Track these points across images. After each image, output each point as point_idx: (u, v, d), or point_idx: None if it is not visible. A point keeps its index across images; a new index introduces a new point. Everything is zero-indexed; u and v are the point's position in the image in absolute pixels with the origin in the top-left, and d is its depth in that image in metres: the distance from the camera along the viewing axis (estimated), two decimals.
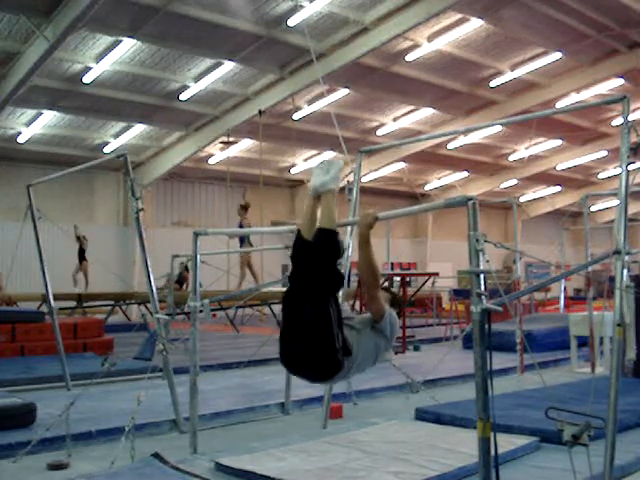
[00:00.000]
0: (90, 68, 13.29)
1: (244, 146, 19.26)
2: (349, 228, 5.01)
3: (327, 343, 3.28)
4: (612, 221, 19.10)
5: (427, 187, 25.80)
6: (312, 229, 3.46)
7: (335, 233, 3.41)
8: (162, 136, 18.12)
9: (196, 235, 5.17)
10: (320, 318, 3.28)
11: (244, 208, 12.97)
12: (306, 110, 16.60)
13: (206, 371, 8.09)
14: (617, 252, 4.08)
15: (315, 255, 3.35)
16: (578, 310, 13.27)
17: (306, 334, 3.30)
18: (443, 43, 13.99)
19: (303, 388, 7.41)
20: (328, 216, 3.44)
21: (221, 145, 18.81)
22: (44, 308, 9.62)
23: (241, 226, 12.72)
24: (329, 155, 3.78)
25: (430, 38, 13.81)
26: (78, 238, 15.26)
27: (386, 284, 13.17)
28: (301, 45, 12.81)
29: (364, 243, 3.44)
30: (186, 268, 14.32)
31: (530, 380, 7.85)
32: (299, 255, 3.48)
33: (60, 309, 10.93)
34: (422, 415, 5.68)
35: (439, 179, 25.33)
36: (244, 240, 12.85)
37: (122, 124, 16.87)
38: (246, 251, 12.46)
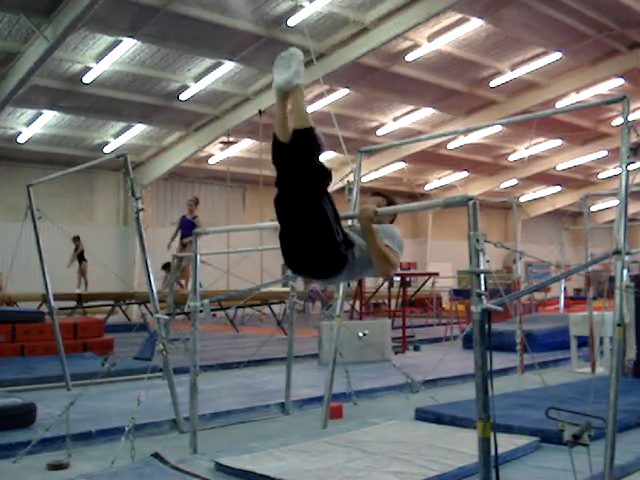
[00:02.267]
0: (90, 68, 13.29)
1: (244, 146, 19.27)
2: (349, 222, 4.99)
3: (327, 238, 3.21)
4: (612, 221, 19.10)
5: (427, 187, 25.81)
6: (287, 129, 3.32)
7: (311, 129, 3.27)
8: (162, 136, 18.12)
9: (196, 235, 5.17)
10: (316, 216, 3.20)
11: (195, 202, 13.02)
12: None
13: (206, 371, 8.08)
14: (617, 252, 4.08)
15: (296, 156, 3.24)
16: (578, 310, 13.27)
17: (305, 234, 3.23)
18: (443, 43, 13.99)
19: (303, 388, 7.43)
20: (300, 114, 3.29)
21: (221, 145, 18.82)
22: (44, 308, 9.61)
23: (187, 219, 12.77)
24: (291, 50, 3.71)
25: (430, 38, 13.82)
26: (74, 240, 15.30)
27: (386, 284, 13.19)
28: (301, 45, 12.75)
29: (368, 235, 3.39)
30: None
31: (530, 380, 7.85)
32: (280, 159, 3.35)
33: (60, 309, 10.93)
34: (422, 415, 5.68)
35: (439, 179, 25.33)
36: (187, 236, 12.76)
37: (122, 124, 16.87)
38: (246, 251, 12.44)
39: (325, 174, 3.28)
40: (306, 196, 3.21)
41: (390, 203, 3.84)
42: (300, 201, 3.23)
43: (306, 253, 3.29)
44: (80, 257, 15.44)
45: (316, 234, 3.22)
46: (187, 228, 12.72)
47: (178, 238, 12.79)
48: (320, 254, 3.26)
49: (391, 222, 3.85)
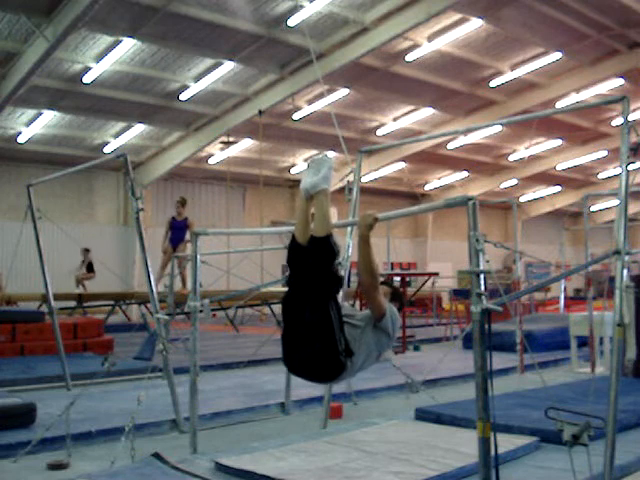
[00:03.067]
0: (90, 68, 13.28)
1: (244, 146, 19.26)
2: (349, 228, 5.00)
3: (329, 347, 3.28)
4: (612, 221, 19.12)
5: (427, 187, 25.81)
6: (307, 232, 3.40)
7: (329, 238, 3.34)
8: (162, 136, 18.12)
9: (196, 235, 5.18)
10: (321, 323, 3.27)
11: (182, 204, 13.01)
12: (306, 110, 16.60)
13: (206, 371, 8.09)
14: (617, 252, 4.08)
15: (311, 261, 3.32)
16: (578, 310, 13.27)
17: (308, 339, 3.30)
18: (443, 43, 13.98)
19: (303, 388, 7.42)
20: (322, 220, 3.36)
21: (221, 145, 18.82)
22: (44, 308, 9.61)
23: (177, 221, 12.76)
24: (318, 156, 3.72)
25: (430, 38, 13.81)
26: (84, 252, 15.36)
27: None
28: (301, 45, 12.80)
29: (364, 244, 3.42)
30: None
31: (530, 380, 7.85)
32: (295, 260, 3.44)
33: (60, 309, 10.94)
34: (422, 415, 5.68)
35: (439, 179, 25.33)
36: (179, 239, 12.73)
37: (122, 124, 16.87)
38: (246, 251, 12.45)
39: (337, 282, 3.38)
40: (315, 300, 3.29)
41: (395, 296, 3.90)
42: (308, 303, 3.30)
43: (306, 356, 3.35)
44: (88, 268, 15.48)
45: (319, 339, 3.29)
46: (179, 230, 12.72)
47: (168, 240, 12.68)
48: (320, 360, 3.34)
49: (400, 307, 3.89)
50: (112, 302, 14.79)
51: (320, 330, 3.27)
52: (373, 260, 3.44)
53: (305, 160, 21.08)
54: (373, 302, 3.54)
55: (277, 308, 15.06)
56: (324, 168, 3.41)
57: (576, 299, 20.99)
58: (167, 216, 20.10)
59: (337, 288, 3.40)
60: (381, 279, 3.64)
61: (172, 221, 12.84)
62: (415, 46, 14.03)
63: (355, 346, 3.42)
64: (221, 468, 4.36)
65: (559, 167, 24.01)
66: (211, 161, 20.26)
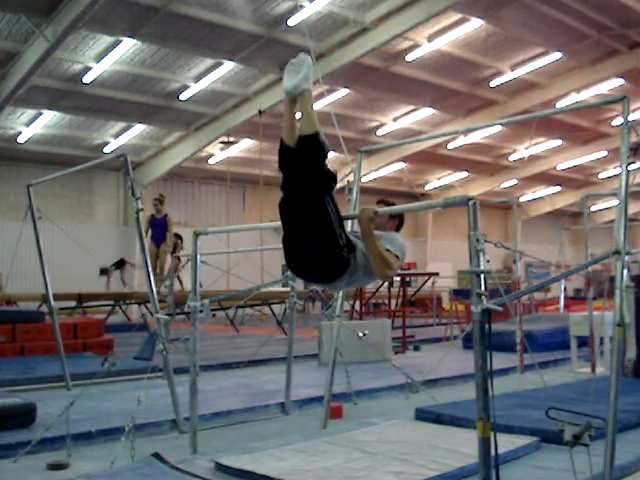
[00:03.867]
0: (90, 68, 13.29)
1: (244, 146, 19.27)
2: (350, 222, 5.00)
3: (331, 242, 3.24)
4: (612, 221, 19.12)
5: (427, 187, 25.81)
6: (294, 134, 3.39)
7: (317, 134, 3.33)
8: (162, 136, 18.13)
9: (196, 235, 5.17)
10: (320, 218, 3.24)
11: (160, 201, 13.01)
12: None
13: (206, 371, 8.10)
14: (617, 252, 4.08)
15: (302, 161, 3.30)
16: (578, 310, 13.27)
17: (308, 235, 3.27)
18: (443, 43, 13.99)
19: (303, 388, 7.43)
20: (307, 119, 3.36)
21: (221, 145, 18.82)
22: (44, 308, 9.61)
23: (156, 219, 12.74)
24: (301, 57, 3.73)
25: (430, 38, 13.81)
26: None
27: (386, 284, 13.19)
28: (301, 45, 12.79)
29: (368, 237, 3.41)
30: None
31: (530, 380, 7.85)
32: (286, 164, 3.41)
33: (60, 309, 10.93)
34: (422, 415, 5.68)
35: (439, 179, 25.34)
36: (161, 236, 12.72)
37: (122, 124, 16.87)
38: (246, 251, 12.45)
39: (330, 178, 3.34)
40: (310, 198, 3.26)
41: (395, 215, 3.87)
42: (304, 203, 3.27)
43: (308, 255, 3.31)
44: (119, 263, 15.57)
45: (319, 236, 3.25)
46: (159, 228, 12.69)
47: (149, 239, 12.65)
48: (322, 256, 3.28)
49: (396, 230, 3.88)
50: (112, 302, 14.79)
51: (319, 225, 3.24)
52: (381, 249, 3.43)
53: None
54: (390, 274, 3.55)
55: (277, 308, 15.08)
56: (304, 68, 3.43)
57: (576, 299, 20.99)
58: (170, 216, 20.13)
59: (332, 183, 3.36)
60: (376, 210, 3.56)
61: (151, 219, 12.78)
62: (415, 46, 14.04)
63: (356, 243, 3.40)
64: (221, 468, 4.36)
65: (559, 167, 24.02)
66: (211, 161, 20.26)
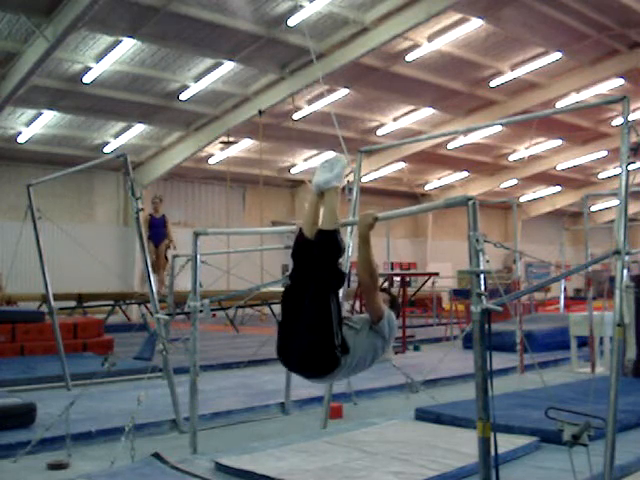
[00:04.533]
0: (90, 68, 13.28)
1: (244, 146, 19.26)
2: (349, 228, 5.01)
3: (326, 339, 3.26)
4: (612, 221, 19.12)
5: (427, 187, 25.81)
6: (314, 227, 3.46)
7: (336, 233, 3.39)
8: (162, 136, 18.12)
9: (196, 235, 5.17)
10: (320, 313, 3.27)
11: (160, 201, 13.05)
12: (306, 110, 16.60)
13: (206, 371, 8.09)
14: (617, 252, 4.08)
15: (316, 255, 3.35)
16: (578, 310, 13.27)
17: (305, 329, 3.29)
18: (443, 43, 13.98)
19: (303, 388, 7.42)
20: (330, 215, 3.42)
21: (221, 145, 18.81)
22: (44, 308, 9.61)
23: (156, 219, 12.77)
24: (332, 154, 3.78)
25: (430, 38, 13.81)
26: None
27: (386, 284, 13.20)
28: (301, 45, 12.80)
29: (364, 243, 3.43)
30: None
31: (530, 380, 7.85)
32: (300, 253, 3.47)
33: (60, 309, 10.94)
34: (422, 415, 5.68)
35: (439, 179, 25.33)
36: (160, 236, 12.74)
37: (122, 124, 16.86)
38: (247, 251, 12.46)
39: (340, 277, 3.41)
40: (316, 292, 3.29)
41: (393, 303, 3.89)
42: (308, 295, 3.31)
43: (301, 347, 3.33)
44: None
45: (315, 330, 3.28)
46: (158, 227, 12.73)
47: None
48: (315, 352, 3.31)
49: (397, 315, 3.86)
50: (112, 302, 14.79)
51: (318, 321, 3.26)
52: (372, 260, 3.45)
53: (305, 160, 21.09)
54: (372, 302, 3.54)
55: (277, 308, 15.08)
56: (337, 167, 3.52)
57: (576, 299, 20.99)
58: (167, 216, 20.10)
59: (340, 283, 3.42)
60: (380, 281, 3.62)
61: (151, 219, 12.81)
62: (415, 46, 14.03)
63: (351, 345, 3.41)
64: (221, 468, 4.36)
65: (559, 167, 24.01)
66: (211, 161, 20.26)
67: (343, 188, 6.32)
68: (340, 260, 3.45)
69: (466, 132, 17.05)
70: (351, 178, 6.41)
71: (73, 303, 13.81)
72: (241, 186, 22.26)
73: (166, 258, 14.09)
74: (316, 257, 3.35)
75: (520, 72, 15.85)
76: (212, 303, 5.35)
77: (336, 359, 3.32)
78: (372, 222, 3.44)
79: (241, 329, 15.10)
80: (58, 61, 12.84)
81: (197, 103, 15.85)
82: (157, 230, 12.75)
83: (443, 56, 14.71)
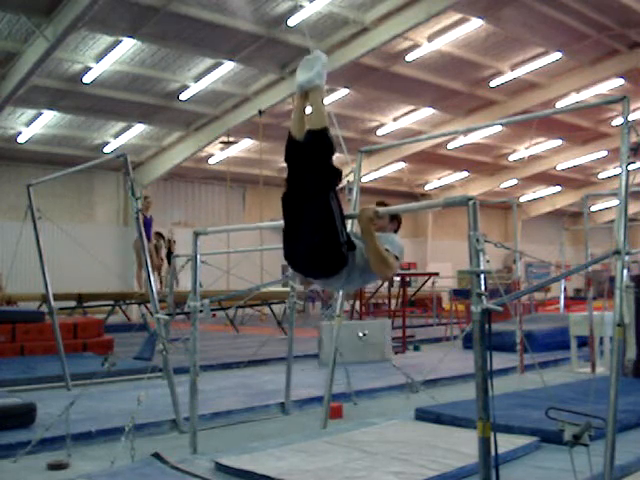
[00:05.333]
0: (90, 68, 13.29)
1: (244, 146, 19.27)
2: (350, 222, 5.01)
3: (331, 236, 3.25)
4: (612, 221, 19.12)
5: (427, 187, 25.82)
6: (302, 128, 3.42)
7: (326, 130, 3.36)
8: (162, 136, 18.13)
9: (196, 235, 5.17)
10: (322, 212, 3.25)
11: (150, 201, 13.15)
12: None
13: (206, 371, 8.09)
14: (617, 252, 4.08)
15: (308, 155, 3.32)
16: (578, 310, 13.27)
17: (310, 230, 3.27)
18: (443, 43, 13.99)
19: (303, 388, 7.43)
20: (317, 114, 3.39)
21: (221, 145, 18.82)
22: (44, 308, 9.61)
23: (146, 218, 12.84)
24: (316, 53, 3.74)
25: (430, 38, 13.82)
26: (169, 241, 15.42)
27: (385, 285, 13.19)
28: (301, 45, 12.80)
29: (368, 236, 3.42)
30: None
31: (530, 380, 7.85)
32: (293, 157, 3.43)
33: (60, 309, 10.93)
34: (422, 415, 5.68)
35: (439, 179, 25.34)
36: (149, 235, 12.83)
37: (122, 124, 16.87)
38: (246, 251, 12.47)
39: (335, 174, 3.36)
40: (314, 192, 3.27)
41: (392, 216, 3.90)
42: (308, 197, 3.29)
43: (307, 249, 3.31)
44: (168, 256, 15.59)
45: (320, 230, 3.25)
46: (148, 227, 12.85)
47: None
48: (321, 251, 3.28)
49: (395, 232, 3.90)
50: (112, 302, 14.78)
51: (321, 219, 3.24)
52: (381, 249, 3.44)
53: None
54: (389, 273, 3.57)
55: (277, 308, 15.08)
56: (317, 65, 3.44)
57: (576, 299, 20.98)
58: (167, 216, 20.13)
59: (336, 179, 3.38)
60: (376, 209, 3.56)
61: (145, 218, 12.90)
62: (415, 46, 14.04)
63: (356, 243, 3.42)
64: (221, 468, 4.36)
65: (559, 167, 24.02)
66: (211, 161, 20.27)
67: (342, 188, 6.34)
68: (333, 157, 3.39)
69: (466, 132, 17.05)
70: (351, 178, 6.42)
71: (73, 303, 13.78)
72: (241, 186, 22.27)
73: (162, 259, 14.17)
74: (309, 157, 3.31)
75: (520, 72, 15.86)
76: (212, 303, 5.34)
77: (343, 256, 3.31)
78: (372, 216, 3.43)
79: (241, 329, 15.10)
80: (58, 61, 12.85)
81: (197, 103, 15.86)
82: (147, 229, 12.79)
83: (443, 56, 14.72)
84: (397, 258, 3.59)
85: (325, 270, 3.41)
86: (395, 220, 3.95)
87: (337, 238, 3.26)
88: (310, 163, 3.31)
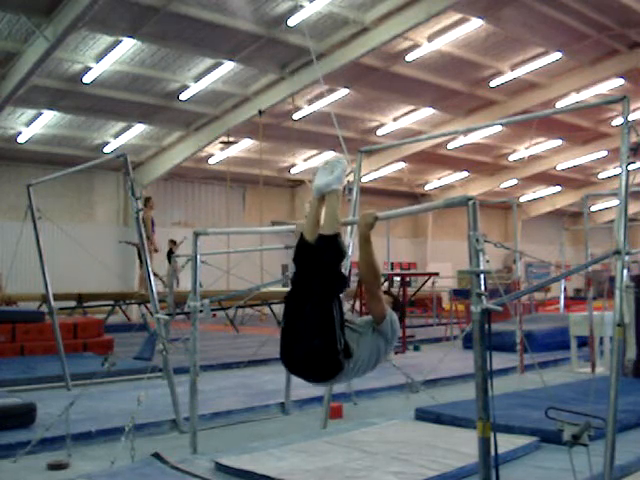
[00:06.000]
0: (90, 68, 13.29)
1: (244, 146, 19.26)
2: (349, 227, 5.01)
3: (329, 344, 3.26)
4: (612, 221, 19.11)
5: (427, 187, 25.81)
6: (315, 231, 3.45)
7: (337, 237, 3.38)
8: (162, 136, 18.12)
9: (196, 235, 5.17)
10: (323, 318, 3.27)
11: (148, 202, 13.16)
12: (306, 110, 16.60)
13: (206, 371, 8.09)
14: (617, 252, 4.08)
15: (318, 259, 3.35)
16: (578, 310, 13.27)
17: (308, 334, 3.29)
18: (443, 43, 13.98)
19: (303, 388, 7.41)
20: (331, 218, 3.41)
21: (221, 145, 18.82)
22: (44, 308, 9.61)
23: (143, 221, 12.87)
24: (331, 155, 3.79)
25: (430, 38, 13.81)
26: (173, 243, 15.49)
27: (386, 284, 13.20)
28: (301, 45, 12.80)
29: (365, 242, 3.42)
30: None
31: (530, 380, 7.85)
32: (302, 258, 3.46)
33: (60, 309, 10.93)
34: (422, 415, 5.68)
35: (439, 179, 25.33)
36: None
37: (122, 124, 16.87)
38: (246, 251, 12.46)
39: (342, 281, 3.40)
40: (318, 296, 3.29)
41: (396, 304, 3.88)
42: (312, 300, 3.30)
43: (304, 352, 3.33)
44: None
45: (319, 335, 3.27)
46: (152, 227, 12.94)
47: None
48: (318, 357, 3.31)
49: (400, 318, 3.83)
50: (112, 302, 14.79)
51: (321, 325, 3.26)
52: (374, 259, 3.45)
53: (305, 160, 21.09)
54: (374, 301, 3.53)
55: (277, 308, 15.08)
56: (338, 169, 3.49)
57: (576, 299, 20.98)
58: (167, 216, 20.14)
59: (342, 287, 3.41)
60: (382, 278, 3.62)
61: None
62: (415, 46, 14.03)
63: (354, 349, 3.40)
64: (221, 468, 4.36)
65: (559, 167, 24.01)
66: (211, 161, 20.26)
67: (343, 188, 6.34)
68: (342, 264, 3.43)
69: (466, 132, 17.04)
70: (351, 178, 6.41)
71: (73, 303, 13.79)
72: (241, 186, 22.26)
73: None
74: (318, 262, 3.34)
75: (520, 72, 15.85)
76: (212, 303, 5.34)
77: (339, 363, 3.33)
78: (372, 222, 3.44)
79: (241, 329, 15.09)
80: (58, 61, 12.84)
81: (197, 103, 15.85)
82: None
83: (443, 56, 14.72)
84: (386, 316, 3.54)
85: (319, 375, 3.46)
86: (397, 310, 3.84)
87: (334, 345, 3.28)
88: (319, 267, 3.34)
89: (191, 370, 5.08)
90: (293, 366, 3.49)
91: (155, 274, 13.54)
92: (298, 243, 3.50)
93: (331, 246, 3.35)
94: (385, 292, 3.91)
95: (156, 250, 14.06)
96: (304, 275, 3.41)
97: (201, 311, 5.20)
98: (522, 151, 22.20)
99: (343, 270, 3.47)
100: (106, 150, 17.65)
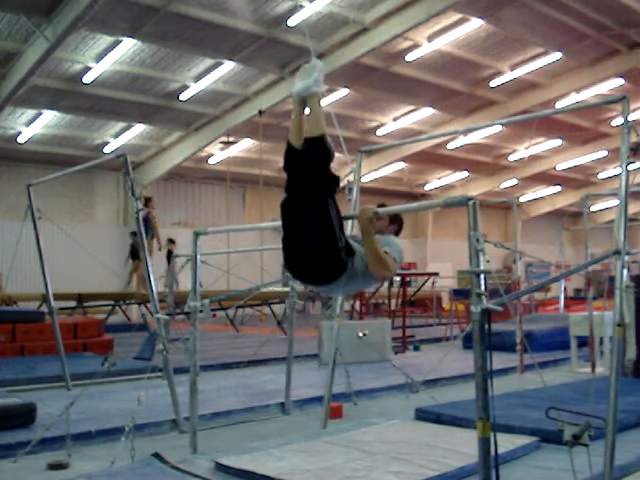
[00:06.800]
0: (90, 68, 13.29)
1: (244, 146, 19.27)
2: (350, 222, 5.00)
3: (330, 244, 3.28)
4: (612, 221, 19.11)
5: (427, 187, 25.81)
6: (301, 136, 3.45)
7: (323, 137, 3.38)
8: (162, 136, 18.12)
9: (196, 235, 5.17)
10: (321, 220, 3.28)
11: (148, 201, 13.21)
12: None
13: (206, 371, 8.09)
14: (617, 252, 4.08)
15: (307, 163, 3.35)
16: (578, 310, 13.27)
17: (309, 236, 3.30)
18: (443, 43, 13.99)
19: (303, 388, 7.43)
20: (315, 121, 3.42)
21: (221, 145, 18.82)
22: (44, 308, 9.61)
23: (146, 219, 12.88)
24: (314, 62, 3.76)
25: (430, 38, 13.82)
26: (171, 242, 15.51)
27: (386, 285, 13.20)
28: (301, 45, 12.81)
29: (367, 236, 3.44)
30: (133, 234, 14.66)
31: (530, 380, 7.85)
32: (292, 165, 3.47)
33: (60, 309, 10.93)
34: (422, 415, 5.68)
35: (439, 179, 25.34)
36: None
37: (122, 124, 16.87)
38: (246, 251, 12.46)
39: (333, 181, 3.38)
40: (313, 200, 3.30)
41: (393, 217, 3.91)
42: (306, 204, 3.31)
43: (307, 255, 3.34)
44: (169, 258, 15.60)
45: (319, 237, 3.28)
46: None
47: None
48: (321, 258, 3.32)
49: (395, 234, 3.91)
50: (112, 302, 14.79)
51: (320, 227, 3.27)
52: (379, 250, 3.46)
53: None
54: (387, 274, 3.61)
55: (277, 308, 15.08)
56: (315, 72, 3.47)
57: (576, 299, 20.97)
58: (167, 216, 20.12)
59: (334, 186, 3.40)
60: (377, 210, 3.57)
61: (144, 217, 13.00)
62: (415, 46, 14.04)
63: (356, 249, 3.45)
64: (221, 468, 4.36)
65: (559, 167, 24.01)
66: (211, 161, 20.26)
67: (343, 187, 6.34)
68: (331, 164, 3.42)
69: (466, 132, 17.03)
70: (351, 178, 6.42)
71: (73, 303, 13.79)
72: (241, 186, 22.27)
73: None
74: (307, 165, 3.34)
75: (520, 72, 15.86)
76: (212, 303, 5.34)
77: (342, 261, 3.34)
78: (372, 216, 3.45)
79: (241, 329, 15.09)
80: (58, 61, 12.84)
81: (197, 103, 15.86)
82: (147, 229, 12.83)
83: (443, 56, 14.72)
84: (396, 260, 3.61)
85: (324, 277, 3.44)
86: (396, 222, 3.97)
87: (335, 245, 3.29)
88: (308, 171, 3.34)
89: (191, 370, 5.08)
90: (298, 271, 3.50)
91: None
92: (286, 150, 3.50)
93: (318, 147, 3.35)
94: (379, 205, 3.75)
95: (160, 249, 14.11)
96: (296, 181, 3.41)
97: (201, 311, 5.19)
98: (522, 151, 22.20)
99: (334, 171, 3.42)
100: (106, 150, 17.66)
